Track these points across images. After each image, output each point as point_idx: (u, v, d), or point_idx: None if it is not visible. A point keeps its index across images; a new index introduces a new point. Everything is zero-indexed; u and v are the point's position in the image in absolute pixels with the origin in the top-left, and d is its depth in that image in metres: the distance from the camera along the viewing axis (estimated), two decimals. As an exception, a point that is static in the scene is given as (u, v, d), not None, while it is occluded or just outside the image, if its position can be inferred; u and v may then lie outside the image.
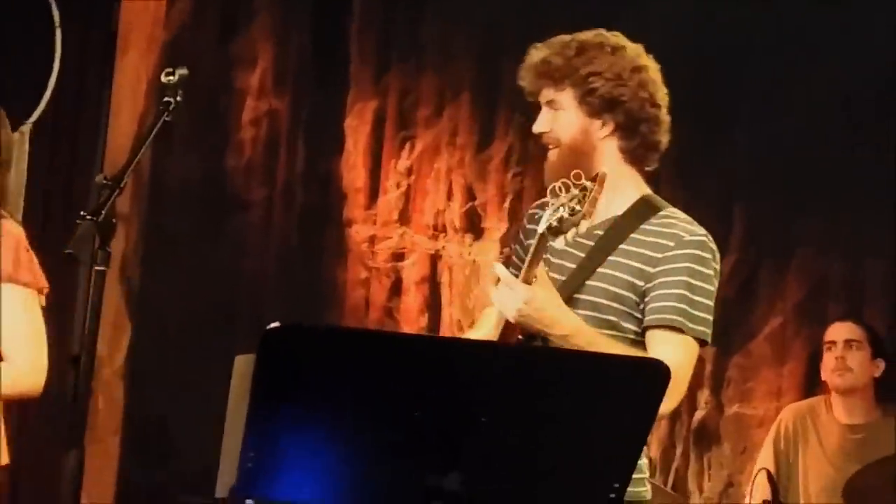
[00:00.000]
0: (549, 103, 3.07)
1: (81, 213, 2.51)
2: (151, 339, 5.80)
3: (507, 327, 2.92)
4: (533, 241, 2.82)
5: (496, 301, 2.89)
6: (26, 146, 5.47)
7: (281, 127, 6.02)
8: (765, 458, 5.21)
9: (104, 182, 2.57)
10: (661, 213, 3.05)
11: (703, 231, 3.01)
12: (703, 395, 5.64)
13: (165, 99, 2.76)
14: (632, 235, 3.00)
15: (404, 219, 5.97)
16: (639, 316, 2.95)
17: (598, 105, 3.02)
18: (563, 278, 3.00)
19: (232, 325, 5.77)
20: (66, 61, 5.51)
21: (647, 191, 3.11)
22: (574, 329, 2.86)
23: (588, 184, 2.75)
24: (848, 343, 5.20)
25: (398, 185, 5.95)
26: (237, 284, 5.92)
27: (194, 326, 5.79)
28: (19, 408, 5.42)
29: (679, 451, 5.64)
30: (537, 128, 3.10)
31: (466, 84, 5.97)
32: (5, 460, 3.71)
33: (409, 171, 5.95)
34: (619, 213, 3.05)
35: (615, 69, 3.01)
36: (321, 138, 6.03)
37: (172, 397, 5.68)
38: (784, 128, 5.56)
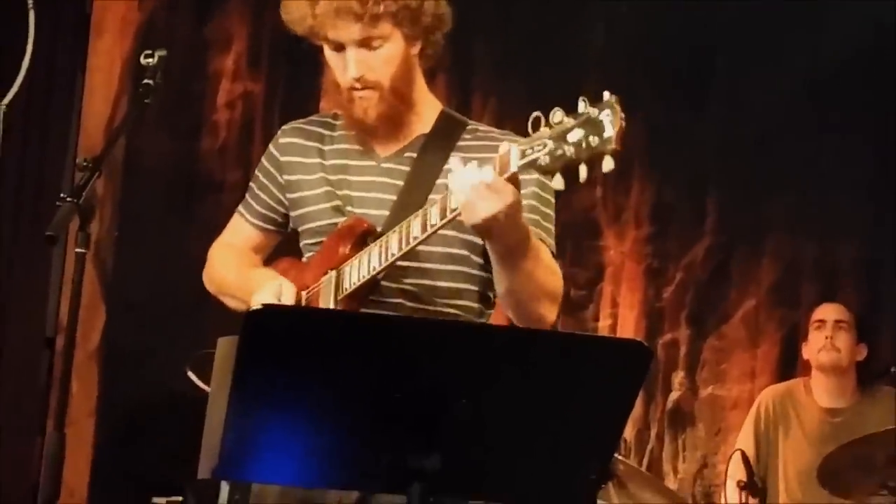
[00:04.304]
0: (362, 42, 2.77)
1: (61, 195, 2.49)
2: (125, 321, 5.78)
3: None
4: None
5: (469, 197, 2.48)
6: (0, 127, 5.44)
7: (256, 109, 6.00)
8: (744, 440, 5.23)
9: (84, 164, 2.55)
10: (469, 126, 2.90)
11: None
12: (678, 377, 5.66)
13: (145, 81, 2.74)
14: (452, 154, 2.80)
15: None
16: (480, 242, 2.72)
17: (418, 28, 2.82)
18: (384, 212, 2.81)
19: (205, 307, 5.74)
20: (40, 43, 5.47)
21: (440, 104, 2.93)
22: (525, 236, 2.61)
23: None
24: (837, 324, 5.22)
25: (372, 167, 5.93)
26: (211, 266, 5.90)
27: (168, 308, 5.76)
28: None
29: (654, 432, 5.65)
30: (354, 72, 2.78)
31: (442, 64, 5.95)
32: None
33: (384, 153, 5.93)
34: (425, 131, 2.88)
35: None
36: (296, 120, 6.00)
37: (147, 379, 5.66)
38: (753, 112, 5.57)
